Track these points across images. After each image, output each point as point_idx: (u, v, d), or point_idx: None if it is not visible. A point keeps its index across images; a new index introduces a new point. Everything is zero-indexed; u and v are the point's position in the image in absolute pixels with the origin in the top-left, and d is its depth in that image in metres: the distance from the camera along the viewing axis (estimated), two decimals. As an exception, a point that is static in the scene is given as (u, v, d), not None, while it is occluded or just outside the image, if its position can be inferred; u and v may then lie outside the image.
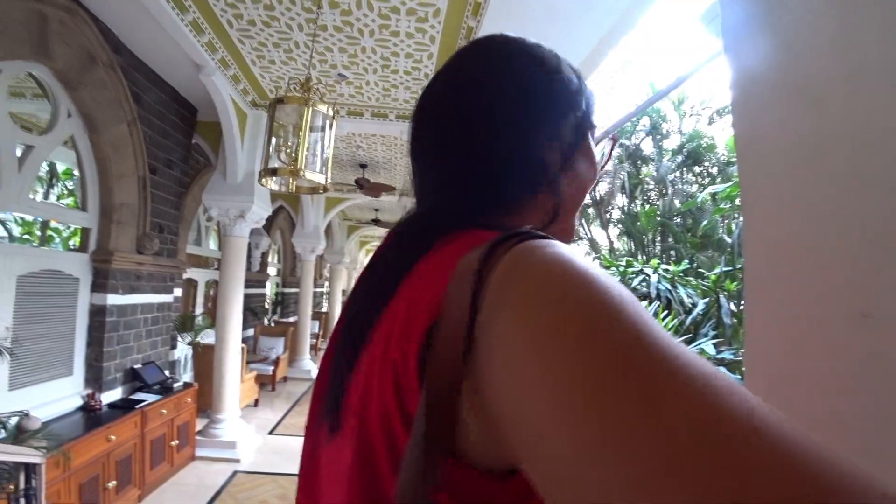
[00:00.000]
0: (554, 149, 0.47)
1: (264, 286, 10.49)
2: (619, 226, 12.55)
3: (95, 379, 4.02)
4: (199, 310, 7.25)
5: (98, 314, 4.06)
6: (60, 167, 6.69)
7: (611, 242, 12.47)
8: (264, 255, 10.21)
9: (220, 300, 5.26)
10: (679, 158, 10.79)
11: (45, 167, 4.28)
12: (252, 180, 5.19)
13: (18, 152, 3.41)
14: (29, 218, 6.17)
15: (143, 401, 4.06)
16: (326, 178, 2.78)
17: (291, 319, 11.77)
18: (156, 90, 4.70)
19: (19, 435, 2.54)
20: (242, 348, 6.12)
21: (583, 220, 13.24)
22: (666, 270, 4.31)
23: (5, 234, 6.08)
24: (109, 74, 3.94)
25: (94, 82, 3.83)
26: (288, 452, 5.29)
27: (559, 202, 0.47)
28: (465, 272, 0.32)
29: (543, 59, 0.49)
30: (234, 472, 4.62)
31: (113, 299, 4.14)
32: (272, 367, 7.95)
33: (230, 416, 5.14)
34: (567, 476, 0.23)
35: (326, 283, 17.97)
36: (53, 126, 3.69)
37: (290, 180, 2.94)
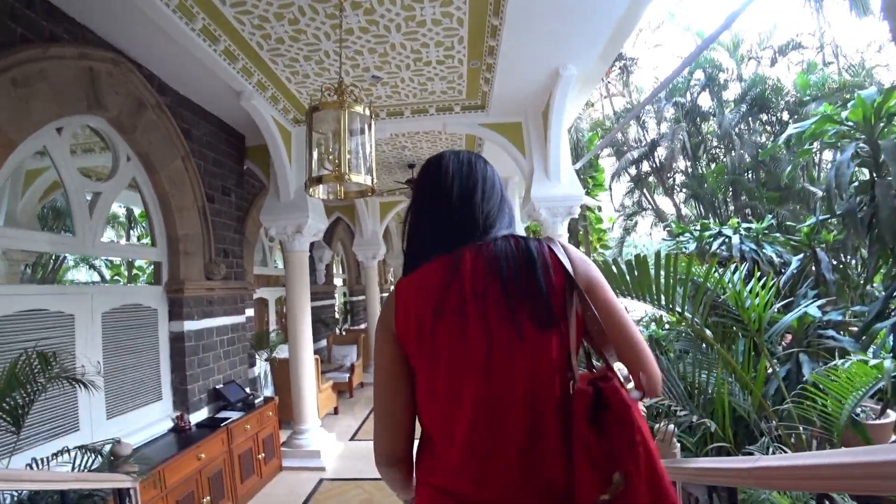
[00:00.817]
0: None
1: (332, 297, 10.83)
2: (685, 190, 11.70)
3: (182, 401, 4.27)
4: (272, 327, 7.57)
5: (177, 340, 4.31)
6: (137, 211, 7.31)
7: (677, 208, 11.66)
8: (328, 268, 10.53)
9: (289, 314, 5.44)
10: (743, 108, 9.83)
11: (122, 211, 4.62)
12: (304, 195, 5.30)
13: (88, 197, 3.68)
14: (117, 260, 6.80)
15: (227, 418, 4.26)
16: (372, 179, 2.73)
17: (362, 326, 12.08)
18: (204, 123, 4.93)
19: (114, 461, 2.70)
20: (316, 359, 6.31)
21: (644, 190, 12.53)
22: (748, 229, 3.89)
23: (98, 277, 6.66)
24: (159, 115, 4.17)
25: (145, 125, 4.06)
26: (370, 457, 5.34)
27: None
28: (560, 252, 0.94)
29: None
30: (321, 480, 4.75)
31: (189, 325, 4.38)
32: (348, 375, 8.16)
33: (311, 426, 5.30)
34: (616, 317, 0.92)
35: (392, 288, 18.26)
36: (116, 171, 3.95)
37: (338, 186, 2.92)
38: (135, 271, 6.75)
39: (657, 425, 2.45)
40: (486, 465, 0.83)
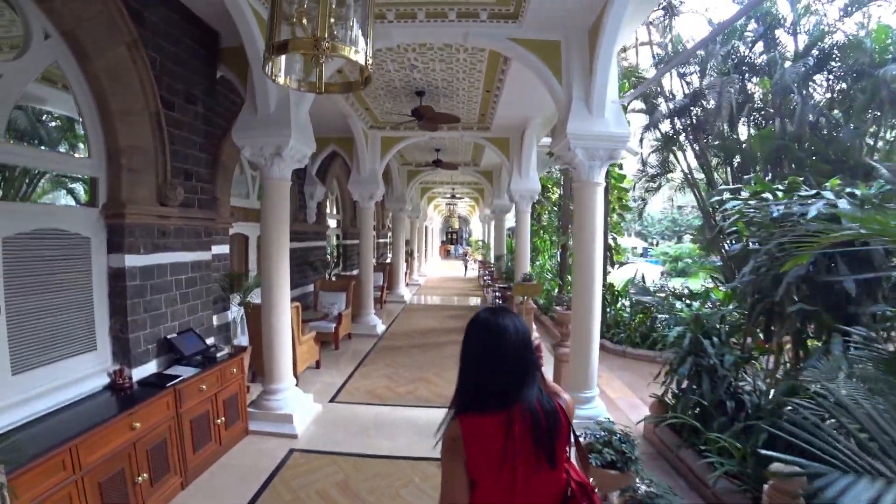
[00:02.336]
0: None
1: (324, 238, 9.96)
2: (720, 154, 10.62)
3: (123, 353, 3.48)
4: (252, 268, 6.74)
5: (117, 278, 3.46)
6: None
7: (708, 173, 10.60)
8: (321, 206, 9.59)
9: (263, 254, 4.58)
10: (809, 62, 8.62)
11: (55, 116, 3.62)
12: (287, 111, 4.34)
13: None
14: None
15: (177, 376, 3.48)
16: (367, 57, 1.75)
17: (354, 272, 11.29)
18: (162, 7, 3.85)
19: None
20: (295, 307, 5.52)
21: (673, 150, 11.44)
22: (851, 195, 2.97)
23: None
24: (90, -22, 3.10)
25: (70, -11, 3.01)
26: (352, 424, 4.68)
27: None
28: (563, 410, 1.42)
29: None
30: (291, 451, 4.05)
31: (133, 260, 3.51)
32: (334, 325, 7.43)
33: (285, 386, 4.56)
34: None
35: (389, 234, 17.46)
36: (27, 49, 2.93)
37: (313, 64, 1.89)
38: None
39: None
40: None
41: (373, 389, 5.67)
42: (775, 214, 3.32)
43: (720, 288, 7.44)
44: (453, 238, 46.18)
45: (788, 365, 4.17)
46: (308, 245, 8.98)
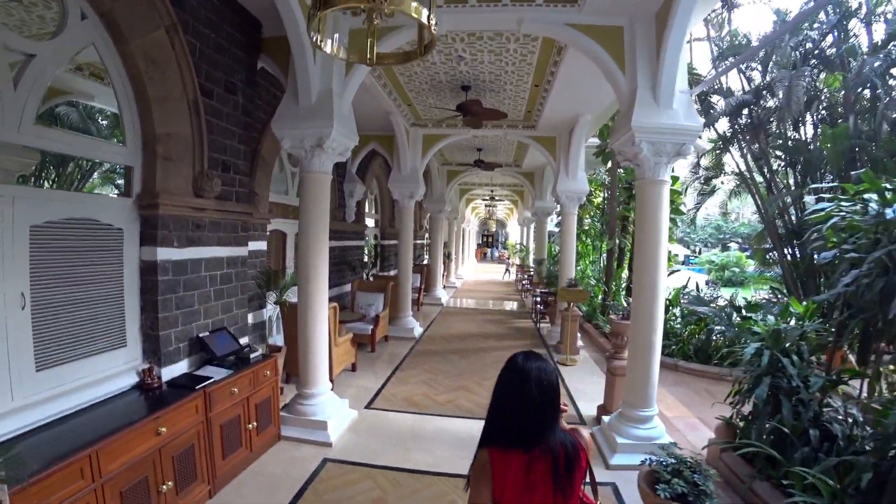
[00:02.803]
0: None
1: (362, 238, 9.80)
2: (782, 156, 9.81)
3: (153, 351, 3.31)
4: (290, 266, 6.60)
5: (149, 272, 3.29)
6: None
7: (768, 176, 9.78)
8: (360, 205, 9.44)
9: (300, 251, 4.37)
10: (893, 53, 7.77)
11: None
12: (330, 101, 4.14)
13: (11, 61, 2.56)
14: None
15: (208, 378, 3.29)
16: (430, 15, 1.45)
17: (392, 273, 11.10)
18: (204, -9, 3.70)
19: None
20: (333, 307, 5.30)
21: (729, 150, 10.69)
22: None
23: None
24: (129, -44, 2.95)
25: (108, -33, 2.86)
26: (388, 434, 4.40)
27: None
28: (584, 448, 1.56)
29: None
30: (324, 461, 3.80)
31: (166, 253, 3.34)
32: (371, 327, 7.20)
33: (320, 391, 4.34)
34: None
35: (427, 235, 17.25)
36: (62, 28, 2.79)
37: (366, 26, 1.60)
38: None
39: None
40: None
41: (410, 397, 5.38)
42: (891, 216, 2.80)
43: (800, 301, 6.77)
44: (489, 241, 45.68)
45: (887, 394, 3.61)
46: (346, 244, 8.83)
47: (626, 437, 4.03)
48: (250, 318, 5.45)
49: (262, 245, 5.69)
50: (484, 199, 20.35)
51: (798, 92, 7.55)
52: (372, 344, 7.25)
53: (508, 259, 26.89)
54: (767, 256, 10.09)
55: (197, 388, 3.12)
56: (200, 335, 3.64)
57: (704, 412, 5.04)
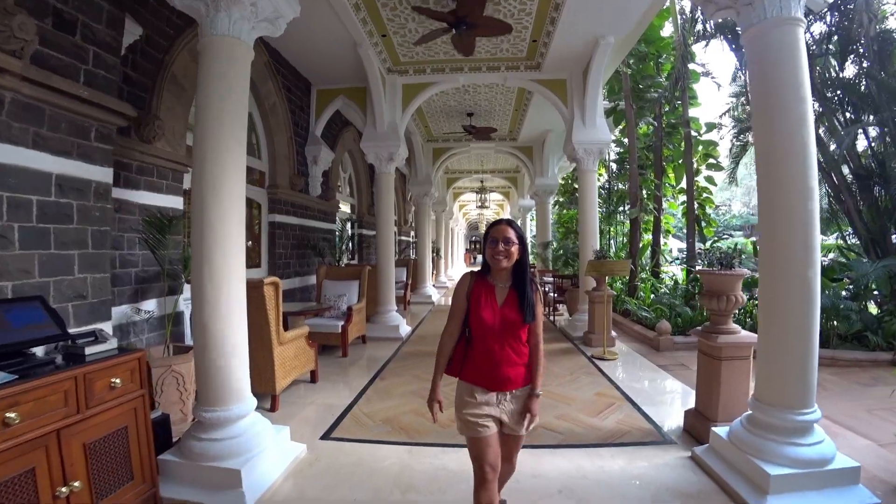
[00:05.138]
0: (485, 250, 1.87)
1: (332, 221, 7.93)
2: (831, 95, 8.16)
3: None
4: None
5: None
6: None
7: (825, 123, 8.15)
8: (328, 178, 7.61)
9: (193, 194, 2.55)
10: None
11: None
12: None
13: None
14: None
15: None
16: None
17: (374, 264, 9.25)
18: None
19: None
20: (273, 282, 3.53)
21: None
22: None
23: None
24: None
25: None
26: (358, 481, 2.59)
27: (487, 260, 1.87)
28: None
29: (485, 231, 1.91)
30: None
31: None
32: (341, 323, 5.37)
33: (235, 413, 2.50)
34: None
35: (413, 232, 15.43)
36: None
37: None
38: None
39: None
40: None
41: (395, 416, 3.55)
42: None
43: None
44: (477, 246, 44.05)
45: None
46: (311, 224, 6.98)
47: (782, 463, 2.30)
48: (152, 306, 3.63)
49: (174, 201, 3.87)
50: (474, 194, 18.61)
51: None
52: (343, 346, 5.40)
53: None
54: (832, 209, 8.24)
55: None
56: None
57: (878, 424, 3.38)
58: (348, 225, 9.51)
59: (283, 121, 5.91)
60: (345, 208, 9.45)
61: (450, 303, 1.90)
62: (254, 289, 3.46)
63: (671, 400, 3.99)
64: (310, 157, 6.84)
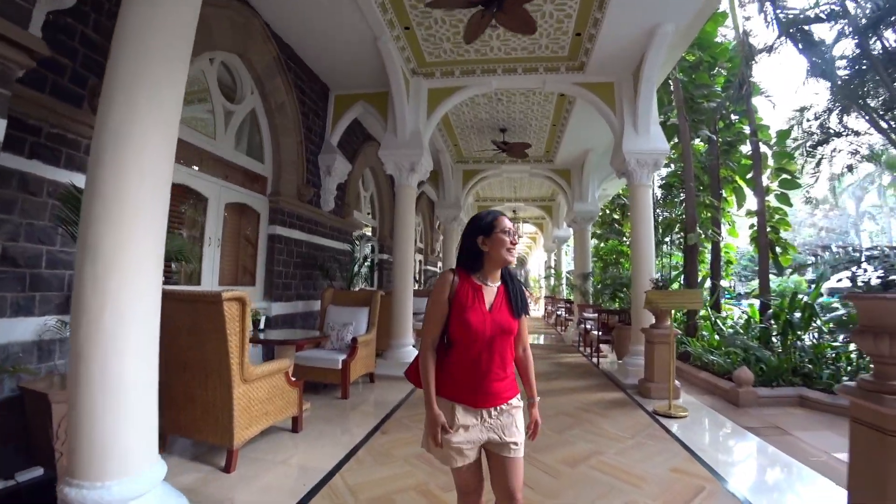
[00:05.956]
0: (476, 241, 1.61)
1: (347, 240, 7.11)
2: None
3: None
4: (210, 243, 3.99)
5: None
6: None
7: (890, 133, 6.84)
8: (344, 191, 6.86)
9: (88, 174, 1.75)
10: None
11: None
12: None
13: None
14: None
15: None
16: None
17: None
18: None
19: None
20: (238, 297, 2.67)
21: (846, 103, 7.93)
22: None
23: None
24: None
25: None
26: None
27: (483, 254, 1.61)
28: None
29: (476, 217, 1.66)
30: None
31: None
32: (343, 357, 4.44)
33: (112, 497, 1.58)
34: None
35: (440, 262, 14.58)
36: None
37: None
38: None
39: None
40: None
41: (388, 497, 2.53)
42: None
43: None
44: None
45: None
46: (320, 242, 6.17)
47: None
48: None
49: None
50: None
51: None
52: (343, 385, 4.45)
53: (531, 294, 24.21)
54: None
55: None
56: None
57: None
58: (367, 247, 8.70)
59: (292, 122, 5.26)
60: (365, 230, 8.68)
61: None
62: (210, 304, 2.61)
63: (787, 485, 2.83)
64: (323, 166, 6.10)
